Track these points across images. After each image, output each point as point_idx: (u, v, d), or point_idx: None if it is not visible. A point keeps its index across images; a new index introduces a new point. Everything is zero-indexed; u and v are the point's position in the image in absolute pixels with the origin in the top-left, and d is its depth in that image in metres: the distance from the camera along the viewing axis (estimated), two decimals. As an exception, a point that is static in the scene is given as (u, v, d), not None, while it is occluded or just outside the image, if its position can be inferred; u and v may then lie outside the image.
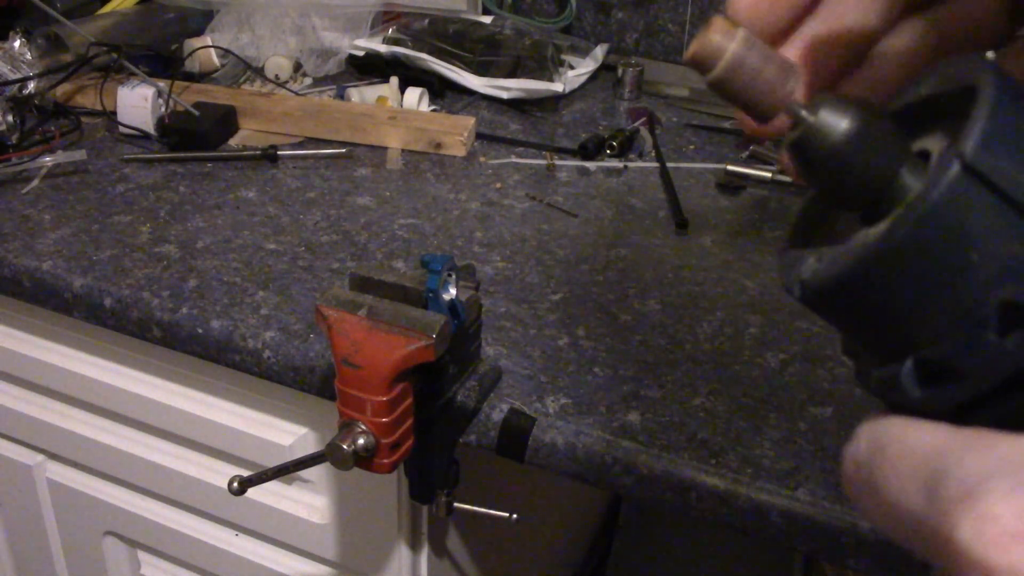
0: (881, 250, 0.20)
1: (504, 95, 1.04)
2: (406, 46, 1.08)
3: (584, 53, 1.15)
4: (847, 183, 0.22)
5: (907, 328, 0.21)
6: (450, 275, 0.55)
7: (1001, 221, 0.19)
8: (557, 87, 1.03)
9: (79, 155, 0.86)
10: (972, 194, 0.19)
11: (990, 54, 0.26)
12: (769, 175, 0.90)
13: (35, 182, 0.84)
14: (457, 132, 0.93)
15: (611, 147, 0.93)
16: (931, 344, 0.21)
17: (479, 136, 0.96)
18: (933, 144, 0.23)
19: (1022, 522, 0.16)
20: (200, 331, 0.66)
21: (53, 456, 0.86)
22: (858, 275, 0.21)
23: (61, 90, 0.97)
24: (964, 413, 0.20)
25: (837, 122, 0.22)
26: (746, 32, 0.23)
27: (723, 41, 0.23)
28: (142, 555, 0.88)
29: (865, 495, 0.20)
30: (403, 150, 0.93)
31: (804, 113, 0.22)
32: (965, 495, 0.17)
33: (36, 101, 0.95)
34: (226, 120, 0.94)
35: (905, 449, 0.19)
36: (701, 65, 0.23)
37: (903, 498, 0.19)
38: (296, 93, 1.03)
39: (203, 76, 1.05)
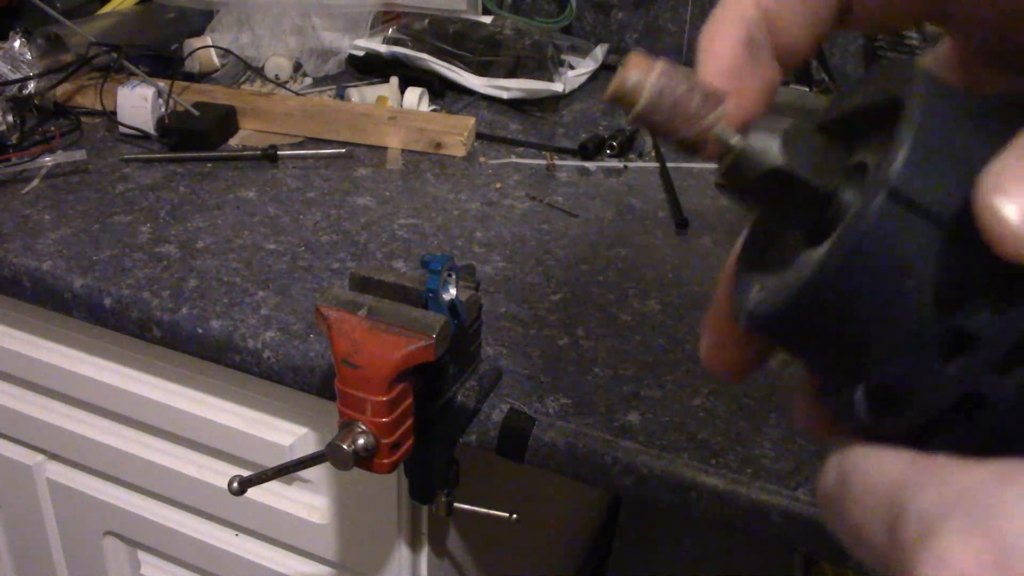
0: (816, 282, 0.20)
1: (504, 95, 1.04)
2: (406, 46, 1.08)
3: (584, 53, 1.15)
4: (784, 206, 0.22)
5: (855, 355, 0.21)
6: (450, 275, 0.55)
7: (933, 245, 0.19)
8: (557, 87, 1.03)
9: (79, 155, 0.86)
10: (900, 220, 0.19)
11: (928, 56, 0.26)
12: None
13: (35, 182, 0.84)
14: (457, 132, 0.93)
15: (611, 147, 0.93)
16: (879, 370, 0.20)
17: (479, 136, 0.96)
18: (870, 156, 0.22)
19: (977, 565, 0.16)
20: (200, 331, 0.66)
21: (53, 456, 0.86)
22: (797, 308, 0.21)
23: (61, 90, 0.97)
24: (924, 437, 0.20)
25: (768, 145, 0.22)
26: (665, 63, 0.22)
27: (641, 75, 0.22)
28: (142, 555, 0.88)
29: (837, 526, 0.20)
30: (403, 150, 0.93)
31: (734, 140, 0.22)
32: (922, 535, 0.17)
33: (36, 101, 0.95)
34: (226, 120, 0.94)
35: (868, 483, 0.19)
36: (621, 102, 0.23)
37: (868, 534, 0.19)
38: (296, 93, 1.03)
39: (203, 76, 1.05)
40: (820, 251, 0.21)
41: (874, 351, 0.20)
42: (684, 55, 1.16)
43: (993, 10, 0.21)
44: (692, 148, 0.23)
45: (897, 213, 0.19)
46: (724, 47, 0.23)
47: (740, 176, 0.22)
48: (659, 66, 0.22)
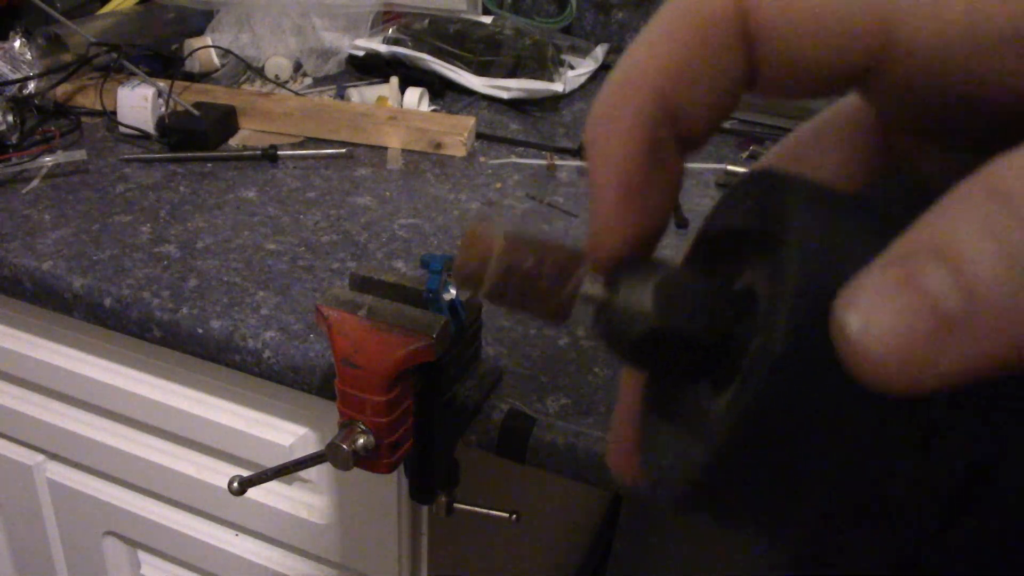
0: (718, 465, 0.17)
1: (504, 95, 1.04)
2: (406, 46, 1.08)
3: (584, 53, 1.15)
4: (673, 362, 0.19)
5: (774, 529, 0.19)
6: (450, 275, 0.55)
7: (837, 397, 0.16)
8: (557, 87, 1.03)
9: (79, 155, 0.86)
10: (796, 381, 0.16)
11: (842, 112, 0.22)
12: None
13: (35, 182, 0.84)
14: (457, 132, 0.93)
15: (611, 147, 0.93)
16: (797, 541, 0.18)
17: (479, 136, 0.96)
18: (757, 282, 0.19)
19: None
20: (200, 331, 0.66)
21: (53, 456, 0.86)
22: (712, 480, 0.18)
23: (61, 90, 0.97)
24: None
25: (641, 298, 0.19)
26: (507, 235, 0.20)
27: (483, 251, 0.20)
28: (142, 555, 0.88)
29: None
30: (403, 150, 0.93)
31: (601, 300, 0.20)
32: None
33: (36, 101, 0.95)
34: (226, 120, 0.94)
35: None
36: (467, 284, 0.20)
37: None
38: (296, 93, 1.03)
39: (203, 76, 1.05)
40: (723, 407, 0.19)
41: (790, 522, 0.18)
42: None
43: (937, 82, 0.18)
44: (555, 316, 0.20)
45: (792, 379, 0.16)
46: (620, 151, 0.20)
47: (616, 338, 0.20)
48: (500, 241, 0.20)
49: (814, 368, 0.16)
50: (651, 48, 0.19)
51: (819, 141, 0.23)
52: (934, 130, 0.19)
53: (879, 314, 0.14)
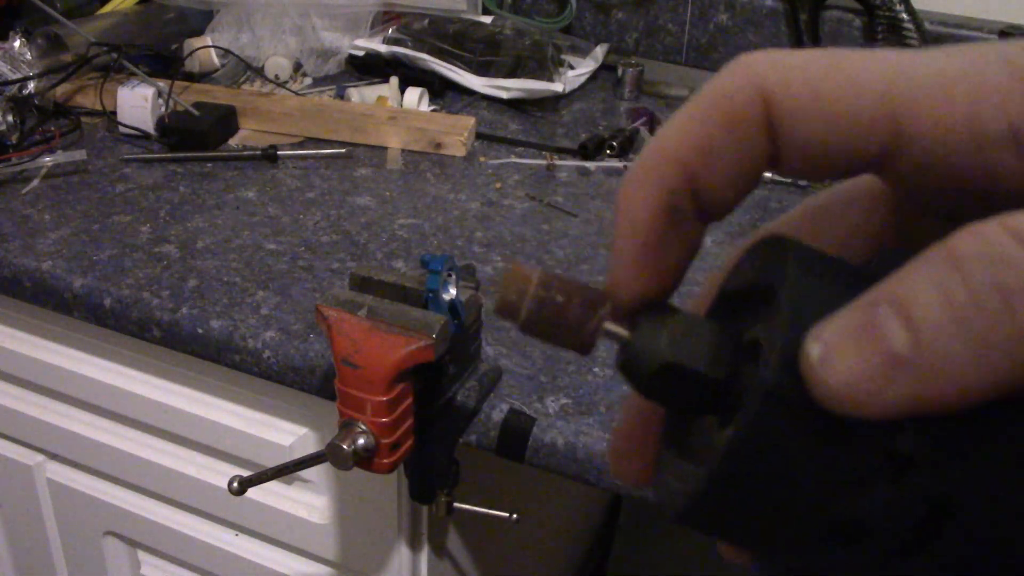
0: (716, 478, 0.20)
1: (504, 95, 1.04)
2: (406, 46, 1.08)
3: (584, 53, 1.15)
4: (683, 396, 0.22)
5: (764, 549, 0.21)
6: (450, 275, 0.55)
7: (816, 433, 0.19)
8: (557, 87, 1.03)
9: (79, 155, 0.86)
10: (781, 416, 0.19)
11: (853, 189, 0.25)
12: (769, 175, 0.90)
13: (35, 182, 0.84)
14: (457, 132, 0.93)
15: (611, 147, 0.93)
16: (783, 563, 0.21)
17: (479, 136, 0.96)
18: (762, 333, 0.22)
19: None
20: (200, 331, 0.66)
21: (53, 456, 0.86)
22: (705, 502, 0.21)
23: (61, 90, 0.97)
24: None
25: (657, 339, 0.22)
26: (541, 274, 0.23)
27: (521, 286, 0.22)
28: (142, 555, 0.88)
29: None
30: (403, 150, 0.93)
31: (621, 337, 0.22)
32: None
33: (36, 101, 0.95)
34: (226, 120, 0.94)
35: None
36: (505, 315, 0.23)
37: None
38: (296, 93, 1.03)
39: (203, 76, 1.05)
40: (724, 439, 0.21)
41: (776, 540, 0.20)
42: (684, 55, 1.16)
43: (943, 171, 0.20)
44: (581, 349, 0.23)
45: (778, 411, 0.19)
46: (642, 214, 0.22)
47: (635, 372, 0.22)
48: (536, 277, 0.23)
49: (798, 402, 0.18)
50: (680, 126, 0.21)
51: (828, 213, 0.25)
52: (943, 211, 0.21)
53: (839, 347, 0.17)
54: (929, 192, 0.21)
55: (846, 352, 0.17)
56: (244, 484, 0.57)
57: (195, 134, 0.90)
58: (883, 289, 0.17)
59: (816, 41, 1.06)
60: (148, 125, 0.92)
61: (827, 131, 0.20)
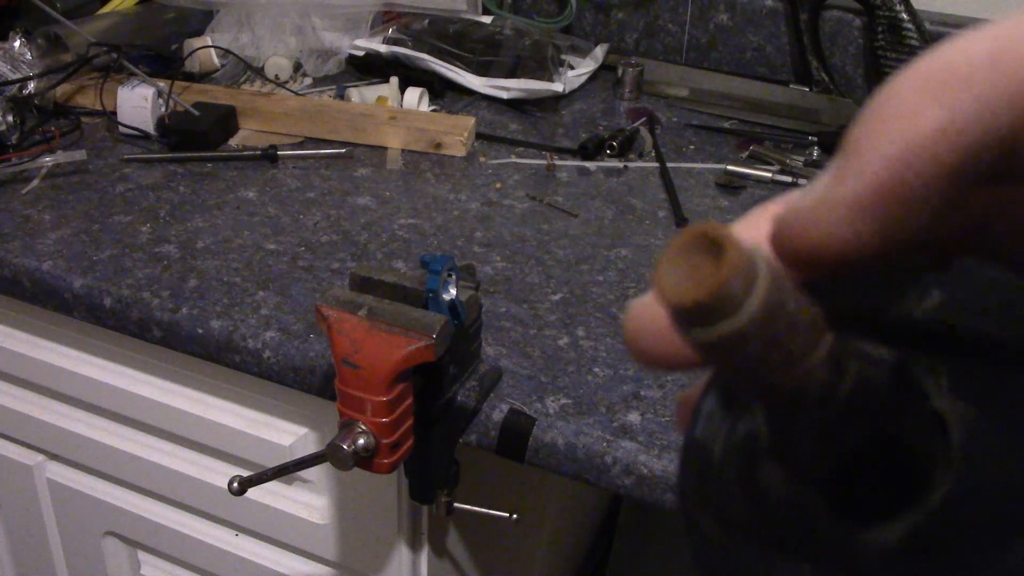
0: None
1: (504, 95, 1.04)
2: (406, 46, 1.08)
3: (584, 53, 1.15)
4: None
5: None
6: (450, 275, 0.55)
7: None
8: (557, 87, 1.03)
9: (79, 155, 0.86)
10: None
11: None
12: (769, 175, 0.90)
13: (35, 182, 0.84)
14: (457, 132, 0.93)
15: (611, 147, 0.93)
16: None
17: (479, 136, 0.96)
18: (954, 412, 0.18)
19: None
20: (200, 331, 0.66)
21: (53, 456, 0.86)
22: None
23: (61, 90, 0.97)
24: None
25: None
26: (770, 262, 0.15)
27: (748, 274, 0.14)
28: (142, 555, 0.88)
29: None
30: (403, 150, 0.93)
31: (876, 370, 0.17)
32: None
33: (36, 101, 0.95)
34: (226, 120, 0.94)
35: None
36: (717, 306, 0.14)
37: None
38: (296, 93, 1.03)
39: (203, 76, 1.05)
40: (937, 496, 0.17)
41: None
42: (684, 55, 1.16)
43: None
44: (788, 396, 0.15)
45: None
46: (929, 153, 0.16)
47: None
48: (764, 268, 0.14)
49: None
50: None
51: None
52: None
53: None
54: None
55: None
56: (244, 484, 0.57)
57: (195, 134, 0.90)
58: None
59: (816, 41, 1.06)
60: (148, 125, 0.92)
61: None
